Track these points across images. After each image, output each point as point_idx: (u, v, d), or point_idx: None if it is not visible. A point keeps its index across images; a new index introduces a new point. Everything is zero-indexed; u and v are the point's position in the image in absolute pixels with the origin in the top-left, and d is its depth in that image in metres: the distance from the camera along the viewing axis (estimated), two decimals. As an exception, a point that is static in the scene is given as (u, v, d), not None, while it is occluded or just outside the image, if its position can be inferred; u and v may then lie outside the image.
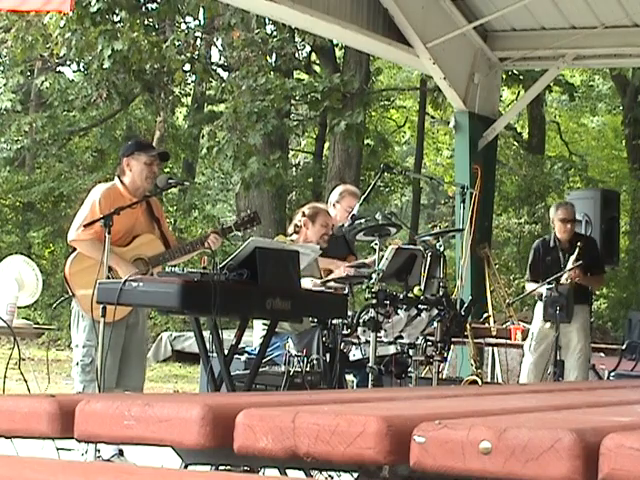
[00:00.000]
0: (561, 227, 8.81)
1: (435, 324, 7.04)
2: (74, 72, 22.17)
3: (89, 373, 6.33)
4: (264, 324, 6.77)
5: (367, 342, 6.75)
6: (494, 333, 9.51)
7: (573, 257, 8.61)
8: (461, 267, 10.70)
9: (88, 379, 6.34)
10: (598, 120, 26.99)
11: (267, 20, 15.92)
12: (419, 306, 6.98)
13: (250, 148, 15.51)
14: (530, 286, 8.96)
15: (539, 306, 8.79)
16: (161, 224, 6.70)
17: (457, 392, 4.39)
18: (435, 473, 2.18)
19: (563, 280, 8.54)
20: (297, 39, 17.72)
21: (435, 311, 7.04)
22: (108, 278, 6.00)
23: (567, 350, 8.62)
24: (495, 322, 10.34)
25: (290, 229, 7.59)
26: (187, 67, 17.85)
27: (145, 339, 6.92)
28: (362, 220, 7.43)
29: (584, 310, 8.80)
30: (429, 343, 7.02)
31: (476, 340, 9.14)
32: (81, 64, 19.92)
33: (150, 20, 17.03)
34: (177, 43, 15.92)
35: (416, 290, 7.02)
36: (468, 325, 8.71)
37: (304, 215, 7.45)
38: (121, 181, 6.60)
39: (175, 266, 5.60)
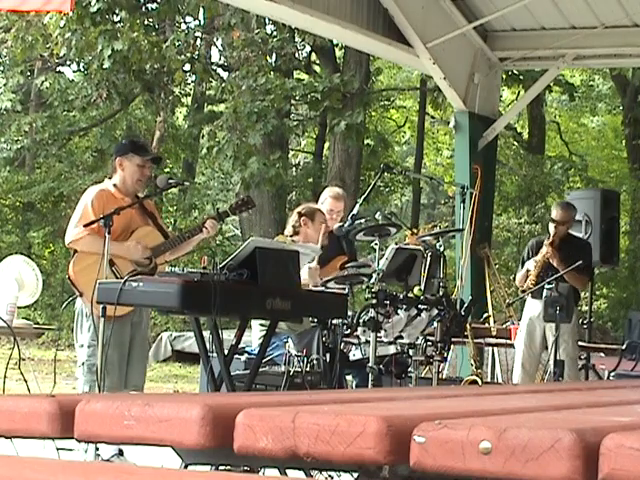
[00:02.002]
0: (550, 227, 8.83)
1: (435, 324, 7.04)
2: (74, 72, 22.17)
3: (95, 373, 6.32)
4: (262, 324, 6.77)
5: (367, 342, 6.75)
6: (494, 333, 9.50)
7: (536, 258, 8.65)
8: (461, 267, 10.70)
9: (95, 379, 6.32)
10: (598, 120, 26.98)
11: (267, 20, 15.91)
12: (419, 306, 6.98)
13: (250, 148, 15.51)
14: (518, 276, 8.96)
15: (528, 303, 8.80)
16: (156, 217, 6.73)
17: (457, 392, 4.39)
18: (435, 473, 2.18)
19: (539, 257, 8.57)
20: (297, 39, 17.71)
21: (435, 311, 7.04)
22: (112, 273, 6.04)
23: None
24: (495, 322, 10.34)
25: (288, 231, 7.52)
26: (187, 67, 17.84)
27: (147, 338, 6.93)
28: (362, 220, 7.42)
29: None
30: (429, 343, 7.02)
31: (476, 340, 9.14)
32: (81, 64, 19.91)
33: (150, 20, 17.02)
34: (177, 43, 15.91)
35: (416, 290, 7.02)
36: (468, 325, 8.72)
37: (301, 215, 7.43)
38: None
39: (175, 266, 5.60)
